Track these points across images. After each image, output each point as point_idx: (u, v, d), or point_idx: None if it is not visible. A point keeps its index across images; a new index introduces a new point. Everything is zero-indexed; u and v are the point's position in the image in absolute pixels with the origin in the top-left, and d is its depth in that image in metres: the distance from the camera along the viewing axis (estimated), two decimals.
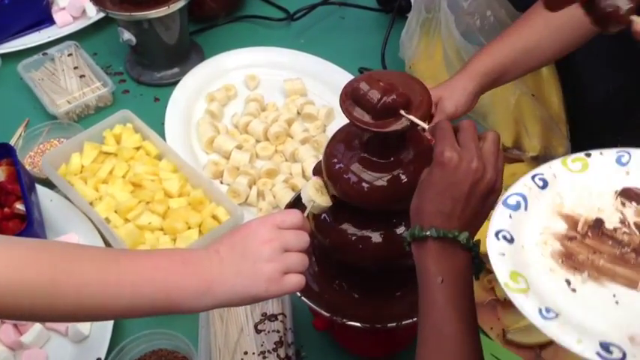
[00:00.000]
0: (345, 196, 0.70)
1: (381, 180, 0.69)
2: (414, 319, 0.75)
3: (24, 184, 0.97)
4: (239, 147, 1.13)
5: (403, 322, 0.76)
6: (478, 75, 0.90)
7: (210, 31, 1.41)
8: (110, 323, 0.92)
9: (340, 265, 0.79)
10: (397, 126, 0.64)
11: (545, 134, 1.03)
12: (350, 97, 0.66)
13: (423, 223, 0.60)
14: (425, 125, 0.64)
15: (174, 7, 1.17)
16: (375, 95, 0.64)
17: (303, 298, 0.77)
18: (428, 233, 0.59)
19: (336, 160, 0.71)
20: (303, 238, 0.64)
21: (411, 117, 0.64)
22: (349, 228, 0.74)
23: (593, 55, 0.99)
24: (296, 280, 0.62)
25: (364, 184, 0.69)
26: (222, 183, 1.10)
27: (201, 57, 1.33)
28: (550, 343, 0.88)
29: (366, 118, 0.65)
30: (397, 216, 0.74)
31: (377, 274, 0.79)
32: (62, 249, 0.61)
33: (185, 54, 1.32)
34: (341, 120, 1.17)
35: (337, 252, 0.76)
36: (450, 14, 1.03)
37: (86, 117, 1.23)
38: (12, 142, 1.18)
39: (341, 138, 0.72)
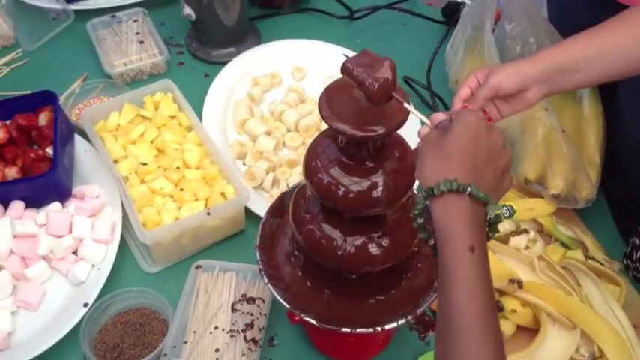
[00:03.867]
0: (319, 196, 0.71)
1: (357, 185, 0.70)
2: (377, 329, 0.76)
3: (58, 131, 1.04)
4: (268, 133, 1.16)
5: (361, 329, 0.76)
6: (542, 62, 0.80)
7: (272, 18, 1.44)
8: (105, 273, 0.97)
9: (313, 263, 0.80)
10: (376, 131, 0.65)
11: (571, 175, 0.99)
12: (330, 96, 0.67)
13: (452, 177, 0.58)
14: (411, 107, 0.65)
15: None
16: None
17: (269, 285, 0.79)
18: (469, 190, 0.57)
19: (315, 160, 0.72)
20: None
21: (397, 96, 0.64)
22: (320, 227, 0.75)
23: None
24: None
25: (341, 188, 0.70)
26: (244, 165, 1.13)
27: (258, 42, 1.37)
28: None
29: (349, 122, 0.66)
30: (371, 225, 0.74)
31: (349, 277, 0.80)
32: None
33: (242, 36, 1.36)
34: None
35: (307, 249, 0.77)
36: (491, 36, 1.00)
37: (138, 81, 1.30)
38: (67, 93, 1.26)
39: (325, 138, 0.73)
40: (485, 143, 0.60)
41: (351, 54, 0.68)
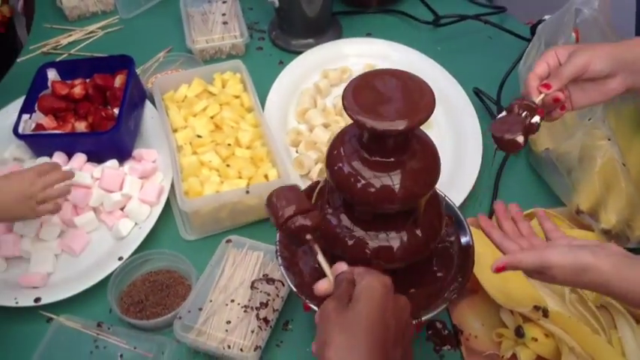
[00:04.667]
0: (336, 185, 0.71)
1: (376, 179, 0.69)
2: None
3: (127, 94, 1.11)
4: (326, 125, 1.17)
5: None
6: (632, 46, 0.73)
7: (357, 16, 1.45)
8: (145, 232, 1.02)
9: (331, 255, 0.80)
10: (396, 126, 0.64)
11: (626, 211, 0.93)
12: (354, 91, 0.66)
13: None
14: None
15: None
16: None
17: (280, 265, 0.80)
18: None
19: (339, 148, 0.72)
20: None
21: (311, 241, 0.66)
22: (339, 220, 0.74)
23: None
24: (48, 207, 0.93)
25: (360, 180, 0.69)
26: (297, 152, 1.15)
27: (338, 36, 1.39)
28: None
29: (370, 115, 0.65)
30: (390, 222, 0.73)
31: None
32: None
33: (322, 29, 1.38)
34: (436, 130, 1.17)
35: (324, 239, 0.77)
36: None
37: (216, 59, 1.35)
38: (151, 62, 1.33)
39: (353, 128, 0.73)
40: (394, 320, 0.56)
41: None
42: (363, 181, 0.69)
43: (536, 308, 0.86)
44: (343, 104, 0.66)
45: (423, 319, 0.76)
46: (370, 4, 1.46)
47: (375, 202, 0.69)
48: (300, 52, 1.33)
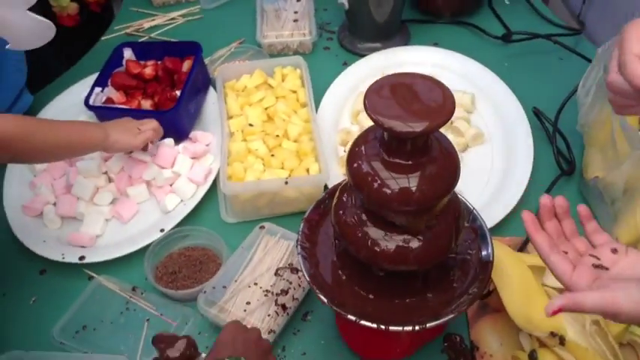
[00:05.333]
0: (353, 182, 0.73)
1: (392, 180, 0.70)
2: (382, 327, 0.76)
3: (190, 79, 1.17)
4: None
5: (365, 322, 0.77)
6: None
7: (428, 24, 1.45)
8: (188, 209, 1.08)
9: (347, 252, 0.81)
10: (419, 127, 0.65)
11: None
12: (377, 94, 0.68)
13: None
14: None
15: None
16: None
17: (299, 254, 0.83)
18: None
19: (361, 145, 0.74)
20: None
21: None
22: (355, 218, 0.76)
23: None
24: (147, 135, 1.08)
25: (377, 180, 0.71)
26: (344, 152, 1.17)
27: (405, 42, 1.40)
28: None
29: (389, 116, 0.67)
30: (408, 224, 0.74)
31: (377, 273, 0.80)
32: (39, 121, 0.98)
33: (390, 34, 1.40)
34: (489, 144, 1.16)
35: (341, 235, 0.79)
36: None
37: (283, 55, 1.39)
38: (222, 51, 1.39)
39: (370, 132, 0.74)
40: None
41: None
42: (379, 181, 0.70)
43: (553, 335, 0.84)
44: (364, 103, 0.68)
45: (428, 325, 0.76)
46: (442, 15, 1.46)
47: (390, 202, 0.71)
48: (365, 55, 1.36)
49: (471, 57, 1.33)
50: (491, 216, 1.05)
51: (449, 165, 0.72)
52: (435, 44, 1.39)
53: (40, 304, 1.01)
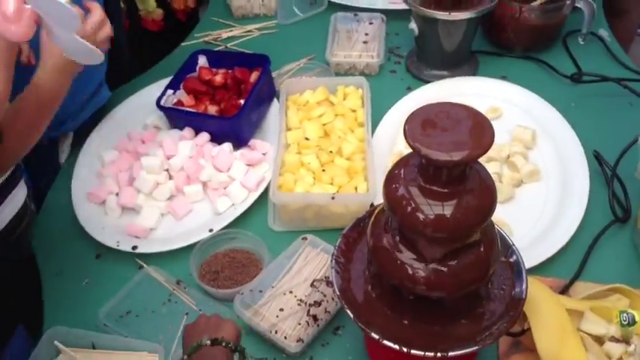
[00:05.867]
0: (387, 203, 0.75)
1: (426, 206, 0.72)
2: (404, 349, 0.77)
3: (255, 90, 1.22)
4: None
5: (388, 342, 0.78)
6: None
7: (497, 57, 1.45)
8: (238, 213, 1.12)
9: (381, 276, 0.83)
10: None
11: None
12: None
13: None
14: None
15: (456, 16, 1.27)
16: None
17: (332, 268, 0.85)
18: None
19: (400, 168, 0.75)
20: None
21: None
22: (393, 243, 0.78)
23: None
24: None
25: (411, 204, 0.72)
26: None
27: (472, 73, 1.40)
28: None
29: (426, 144, 0.68)
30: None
31: (407, 297, 0.82)
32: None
33: (458, 63, 1.40)
34: (545, 181, 1.14)
35: (372, 256, 0.81)
36: None
37: (349, 75, 1.42)
38: (292, 66, 1.44)
39: (412, 157, 0.76)
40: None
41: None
42: (413, 205, 0.72)
43: None
44: (404, 129, 0.70)
45: (450, 354, 0.77)
46: (513, 48, 1.45)
47: (423, 228, 0.72)
48: (430, 82, 1.37)
49: (538, 93, 1.31)
50: (536, 254, 1.04)
51: (485, 196, 0.73)
52: (503, 77, 1.39)
53: (91, 286, 1.08)
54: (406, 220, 0.73)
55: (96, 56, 0.90)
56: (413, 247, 0.76)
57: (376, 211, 0.84)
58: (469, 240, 0.75)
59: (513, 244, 0.87)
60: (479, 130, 0.69)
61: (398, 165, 0.76)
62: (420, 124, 0.70)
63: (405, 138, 0.69)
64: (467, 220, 0.72)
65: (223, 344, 0.81)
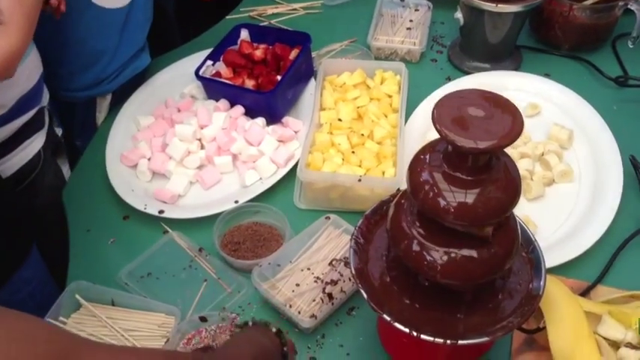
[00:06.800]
0: (410, 188, 0.74)
1: (449, 193, 0.71)
2: (414, 333, 0.77)
3: (292, 67, 1.22)
4: None
5: (399, 325, 0.78)
6: None
7: (542, 54, 1.42)
8: (265, 187, 1.13)
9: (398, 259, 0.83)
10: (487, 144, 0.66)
11: None
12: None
13: None
14: None
15: (503, 8, 1.25)
16: None
17: (351, 247, 0.85)
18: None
19: (426, 154, 0.75)
20: None
21: None
22: (413, 229, 0.77)
23: None
24: None
25: (434, 189, 0.72)
26: None
27: (515, 68, 1.38)
28: None
29: (453, 130, 0.68)
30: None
31: (422, 282, 0.81)
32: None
33: (501, 57, 1.38)
34: (577, 183, 1.12)
35: (391, 242, 0.80)
36: None
37: (389, 60, 1.42)
38: (334, 46, 1.43)
39: (438, 143, 0.75)
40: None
41: None
42: (435, 191, 0.72)
43: None
44: (432, 114, 0.69)
45: (459, 342, 0.76)
46: (559, 46, 1.42)
47: (444, 215, 0.72)
48: (471, 74, 1.35)
49: (580, 94, 1.28)
50: (560, 254, 1.02)
51: (509, 188, 0.72)
52: (546, 75, 1.36)
53: (117, 246, 1.11)
54: (427, 205, 0.72)
55: None
56: (432, 234, 0.76)
57: (399, 195, 0.84)
58: (489, 230, 0.74)
59: (535, 241, 0.86)
60: (508, 120, 0.67)
61: (424, 150, 0.76)
62: (450, 109, 0.69)
63: (433, 122, 0.68)
64: (488, 210, 0.71)
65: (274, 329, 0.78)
